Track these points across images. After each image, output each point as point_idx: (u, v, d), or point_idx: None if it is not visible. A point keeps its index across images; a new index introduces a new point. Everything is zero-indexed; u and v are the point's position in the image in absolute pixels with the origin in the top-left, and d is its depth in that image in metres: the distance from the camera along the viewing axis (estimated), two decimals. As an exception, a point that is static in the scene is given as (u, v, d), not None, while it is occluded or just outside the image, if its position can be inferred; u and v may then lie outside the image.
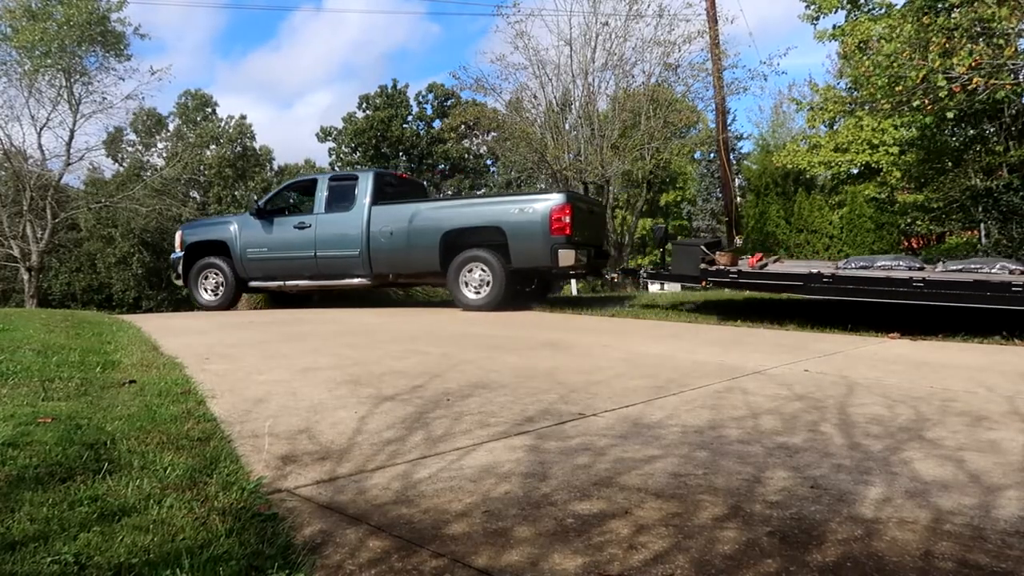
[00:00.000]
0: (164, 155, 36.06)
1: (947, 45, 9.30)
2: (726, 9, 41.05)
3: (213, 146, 39.82)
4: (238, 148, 41.72)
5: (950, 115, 10.53)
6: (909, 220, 16.97)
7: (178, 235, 10.90)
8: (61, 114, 22.07)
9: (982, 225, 14.54)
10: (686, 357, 5.44)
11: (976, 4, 9.15)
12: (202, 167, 37.17)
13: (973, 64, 9.14)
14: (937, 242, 20.10)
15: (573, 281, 16.24)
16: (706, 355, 5.55)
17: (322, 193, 9.90)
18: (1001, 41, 9.37)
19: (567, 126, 17.04)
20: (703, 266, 8.22)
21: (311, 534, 2.00)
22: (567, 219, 8.47)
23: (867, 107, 13.52)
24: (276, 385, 4.02)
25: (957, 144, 14.61)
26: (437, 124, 44.32)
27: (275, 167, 46.18)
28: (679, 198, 34.79)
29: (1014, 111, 12.99)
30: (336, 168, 44.85)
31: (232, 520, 2.03)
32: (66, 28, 20.55)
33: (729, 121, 22.68)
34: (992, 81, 9.38)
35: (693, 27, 16.85)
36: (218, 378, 4.18)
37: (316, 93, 75.33)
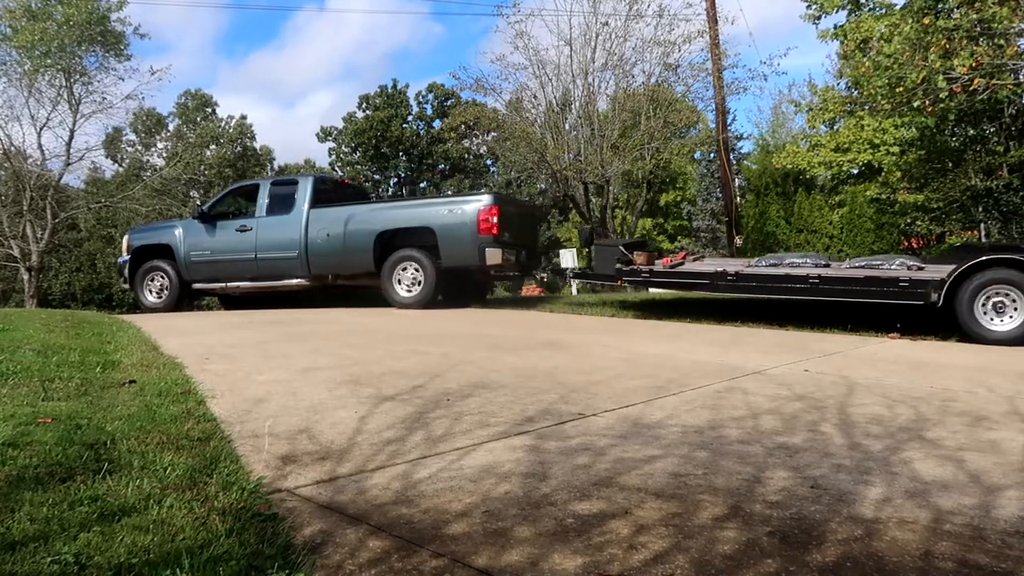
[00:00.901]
0: (164, 155, 36.07)
1: (947, 46, 9.29)
2: (726, 9, 41.06)
3: (213, 146, 39.82)
4: (238, 148, 41.72)
5: (951, 116, 10.54)
6: (909, 220, 16.96)
7: (125, 240, 11.25)
8: (61, 114, 22.07)
9: (982, 225, 14.54)
10: (686, 357, 5.44)
11: (977, 5, 9.15)
12: (202, 167, 37.16)
13: (974, 65, 9.14)
14: (937, 242, 20.09)
15: (574, 283, 16.22)
16: (706, 355, 5.55)
17: (263, 197, 10.22)
18: (1002, 41, 9.37)
19: (567, 126, 17.03)
20: (618, 266, 8.72)
21: (311, 534, 2.00)
22: (494, 219, 8.81)
23: (867, 107, 13.52)
24: (276, 385, 4.01)
25: (957, 144, 14.60)
26: (437, 124, 44.31)
27: (275, 167, 46.19)
28: (679, 198, 34.77)
29: (1014, 111, 12.98)
30: (336, 168, 44.87)
31: (232, 520, 2.03)
32: (66, 28, 20.53)
33: (729, 121, 22.70)
34: (993, 81, 9.38)
35: (693, 27, 16.83)
36: (218, 378, 4.18)
37: (318, 93, 75.32)
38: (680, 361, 5.26)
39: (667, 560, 1.84)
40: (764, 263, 8.42)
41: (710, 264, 8.90)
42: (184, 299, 10.71)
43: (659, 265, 8.74)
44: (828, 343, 6.53)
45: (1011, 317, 6.65)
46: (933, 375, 4.78)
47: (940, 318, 7.08)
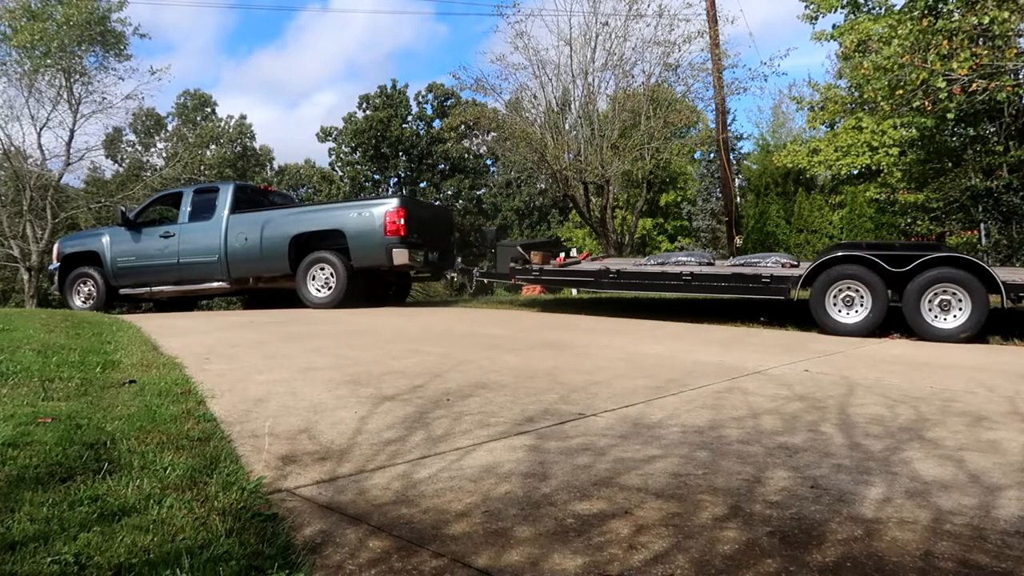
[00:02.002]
0: (164, 155, 36.05)
1: (947, 47, 9.30)
2: (726, 10, 41.13)
3: (213, 146, 39.80)
4: (238, 148, 41.71)
5: (950, 116, 10.54)
6: (909, 220, 16.96)
7: (55, 247, 11.61)
8: (61, 114, 22.07)
9: (982, 225, 14.54)
10: (686, 357, 5.44)
11: (978, 7, 9.15)
12: (202, 167, 37.15)
13: (973, 66, 9.14)
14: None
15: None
16: (706, 355, 5.55)
17: (186, 205, 10.58)
18: (1001, 43, 9.37)
19: (567, 126, 17.01)
20: (512, 264, 9.45)
21: (311, 534, 2.00)
22: (401, 221, 9.29)
23: (867, 108, 13.51)
24: (276, 385, 4.01)
25: (957, 145, 14.59)
26: (437, 124, 44.29)
27: (275, 167, 46.17)
28: (679, 198, 34.74)
29: (1014, 111, 12.98)
30: (335, 168, 44.84)
31: (232, 520, 2.03)
32: (66, 28, 20.53)
33: (729, 121, 22.68)
34: (992, 83, 9.38)
35: (693, 27, 16.81)
36: (218, 378, 4.18)
37: (321, 93, 75.34)
38: (680, 361, 5.26)
39: (667, 560, 1.84)
40: (651, 262, 9.15)
41: (596, 263, 9.56)
42: (111, 304, 11.06)
43: (552, 264, 9.39)
44: (828, 343, 6.53)
45: (857, 311, 7.29)
46: (933, 375, 4.78)
47: (801, 312, 7.63)
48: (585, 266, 9.41)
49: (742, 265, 8.35)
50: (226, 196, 10.31)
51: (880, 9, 14.29)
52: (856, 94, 13.95)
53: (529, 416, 3.36)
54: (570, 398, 3.79)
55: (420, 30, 71.65)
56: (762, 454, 2.78)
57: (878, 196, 16.99)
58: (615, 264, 9.14)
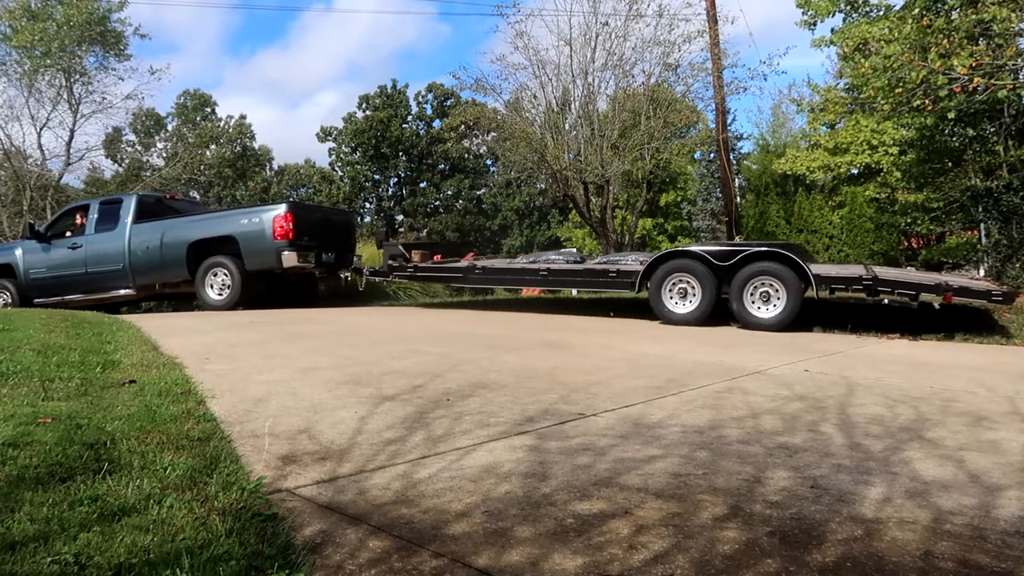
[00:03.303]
0: (164, 155, 36.05)
1: (947, 46, 9.30)
2: (726, 9, 41.08)
3: (213, 146, 39.78)
4: (238, 148, 41.69)
5: (950, 115, 10.53)
6: (909, 220, 16.95)
7: None
8: (61, 114, 22.04)
9: (982, 225, 14.53)
10: (686, 357, 5.44)
11: (978, 5, 9.15)
12: (202, 167, 37.14)
13: (973, 65, 9.14)
14: (937, 242, 20.09)
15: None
16: (706, 355, 5.55)
17: (93, 215, 10.95)
18: (1001, 41, 9.37)
19: (567, 126, 17.00)
20: (390, 262, 10.15)
21: (311, 534, 2.00)
22: (289, 225, 9.72)
23: (867, 108, 13.50)
24: (276, 385, 4.01)
25: (957, 144, 14.58)
26: (437, 124, 44.27)
27: (275, 167, 46.15)
28: (679, 198, 34.73)
29: (1014, 111, 12.96)
30: (335, 168, 44.83)
31: (232, 520, 2.03)
32: (66, 28, 20.52)
33: (729, 121, 22.67)
34: (992, 81, 9.37)
35: (693, 27, 16.80)
36: (218, 378, 4.18)
37: (323, 93, 75.33)
38: (680, 361, 5.26)
39: (667, 560, 1.84)
40: (523, 261, 9.93)
41: (466, 261, 10.31)
42: None
43: (429, 263, 10.16)
44: (828, 343, 6.53)
45: (690, 303, 7.94)
46: (933, 375, 4.78)
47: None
48: (454, 263, 10.08)
49: (606, 263, 9.02)
50: (129, 206, 10.73)
51: (878, 12, 14.28)
52: (856, 94, 13.95)
53: (529, 416, 3.36)
54: (570, 398, 3.79)
55: (422, 30, 71.66)
56: (762, 454, 2.78)
57: (878, 196, 16.99)
58: (482, 262, 9.92)
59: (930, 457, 2.76)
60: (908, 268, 12.46)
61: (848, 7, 14.52)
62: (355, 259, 11.45)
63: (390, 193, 45.39)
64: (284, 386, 3.99)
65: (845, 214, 17.14)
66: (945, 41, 9.32)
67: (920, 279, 7.49)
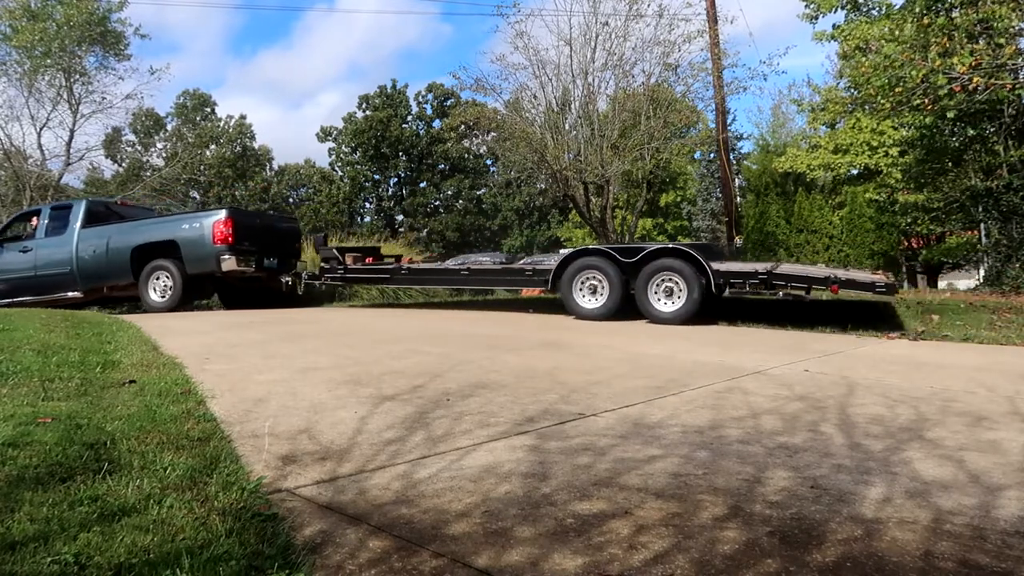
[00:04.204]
0: (163, 155, 36.04)
1: (947, 45, 9.30)
2: (726, 9, 41.06)
3: (212, 146, 39.77)
4: (237, 148, 41.68)
5: (950, 114, 10.54)
6: (909, 220, 16.95)
7: None
8: (61, 114, 22.04)
9: (982, 225, 14.53)
10: (686, 357, 5.44)
11: (979, 4, 9.15)
12: (202, 167, 37.13)
13: (973, 64, 9.14)
14: (937, 242, 20.10)
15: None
16: (706, 355, 5.55)
17: (44, 220, 11.27)
18: (1002, 40, 9.37)
19: (567, 126, 17.00)
20: (323, 264, 10.53)
21: (311, 534, 2.00)
22: (228, 231, 9.99)
23: (867, 107, 13.50)
24: (276, 385, 4.01)
25: (957, 144, 14.59)
26: (437, 124, 44.26)
27: (274, 167, 46.14)
28: (679, 198, 34.75)
29: (1014, 111, 12.97)
30: (335, 168, 44.82)
31: (232, 520, 2.03)
32: (66, 28, 20.52)
33: (729, 121, 22.67)
34: (992, 81, 9.37)
35: (693, 27, 16.79)
36: (218, 378, 4.18)
37: (325, 93, 75.36)
38: (680, 361, 5.26)
39: (667, 560, 1.84)
40: (451, 262, 10.34)
41: (395, 263, 10.76)
42: None
43: (359, 264, 10.52)
44: (828, 343, 6.53)
45: (599, 298, 8.30)
46: (933, 375, 4.78)
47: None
48: (382, 265, 10.55)
49: (530, 263, 9.53)
50: (78, 212, 11.01)
51: (879, 10, 14.28)
52: (856, 93, 13.95)
53: (529, 416, 3.36)
54: (570, 398, 3.79)
55: (424, 30, 71.71)
56: (762, 454, 2.78)
57: (877, 197, 16.99)
58: (408, 263, 10.53)
59: (930, 457, 2.76)
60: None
61: (850, 5, 14.53)
62: (299, 264, 11.78)
63: (390, 193, 45.39)
64: (284, 386, 3.99)
65: (845, 214, 17.13)
66: (945, 40, 9.32)
67: (811, 273, 7.90)
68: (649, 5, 16.03)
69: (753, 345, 6.27)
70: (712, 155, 27.62)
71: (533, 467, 2.60)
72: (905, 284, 20.33)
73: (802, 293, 7.86)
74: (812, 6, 14.79)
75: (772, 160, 19.03)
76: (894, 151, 16.16)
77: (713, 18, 16.61)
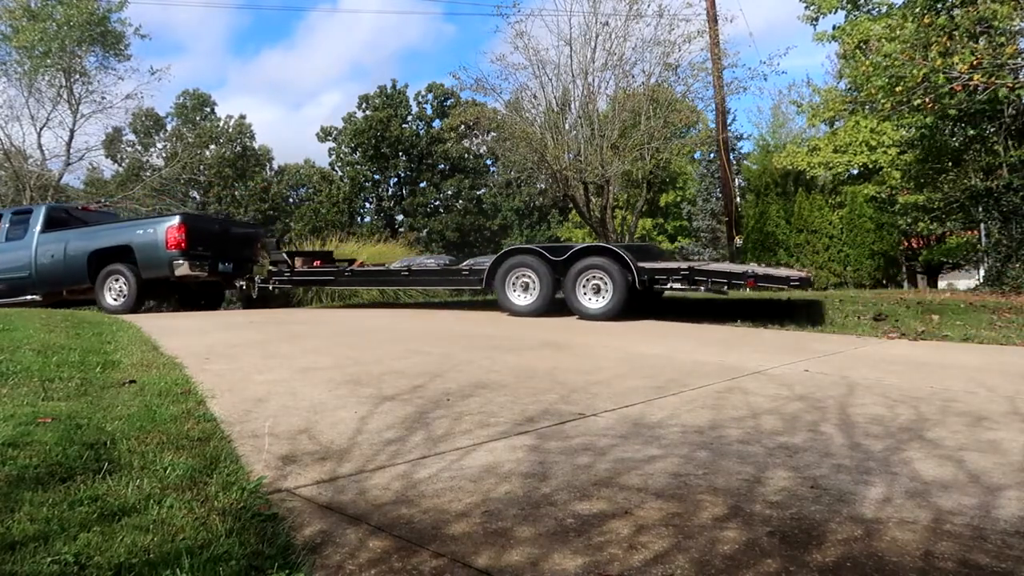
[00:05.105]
0: (163, 155, 36.04)
1: (948, 44, 9.30)
2: (726, 9, 41.03)
3: (212, 146, 39.77)
4: (237, 148, 41.68)
5: (951, 113, 10.54)
6: (909, 220, 16.94)
7: None
8: (61, 114, 22.06)
9: (982, 225, 14.52)
10: (686, 357, 5.44)
11: (979, 3, 9.15)
12: (202, 167, 37.13)
13: (974, 63, 9.14)
14: (937, 242, 20.08)
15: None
16: (706, 355, 5.55)
17: (5, 225, 11.43)
18: (1002, 39, 9.37)
19: (567, 126, 17.00)
20: (270, 268, 10.83)
21: (311, 534, 2.00)
22: (182, 236, 10.11)
23: (867, 107, 13.50)
24: (276, 385, 4.01)
25: (957, 144, 14.58)
26: (437, 124, 44.25)
27: (274, 167, 46.12)
28: (679, 198, 34.75)
29: (1014, 111, 12.96)
30: (335, 168, 44.81)
31: (232, 520, 2.03)
32: (66, 28, 20.53)
33: (729, 121, 22.66)
34: (992, 80, 9.37)
35: (693, 27, 16.82)
36: (218, 378, 4.18)
37: (326, 93, 75.38)
38: (680, 361, 5.26)
39: (667, 560, 1.84)
40: (396, 264, 10.70)
41: (340, 266, 11.14)
42: None
43: (307, 268, 10.87)
44: (828, 343, 6.53)
45: (531, 295, 8.59)
46: (933, 375, 4.78)
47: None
48: (325, 267, 10.96)
49: (467, 264, 9.80)
50: (38, 217, 11.17)
51: (879, 10, 14.28)
52: (856, 93, 13.95)
53: (529, 416, 3.36)
54: (570, 398, 3.79)
55: (426, 30, 71.73)
56: (762, 454, 2.78)
57: (876, 195, 16.98)
58: (349, 266, 10.89)
59: (930, 457, 2.76)
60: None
61: (850, 4, 14.54)
62: (255, 268, 11.95)
63: (390, 193, 45.39)
64: (284, 386, 3.99)
65: (845, 214, 17.13)
66: (946, 39, 9.32)
67: (730, 269, 8.21)
68: (649, 5, 16.07)
69: (753, 345, 6.28)
70: (712, 155, 27.62)
71: (533, 467, 2.60)
72: (905, 284, 20.32)
73: (722, 289, 8.09)
74: (812, 7, 14.79)
75: (772, 158, 19.04)
76: (893, 151, 16.16)
77: (713, 18, 16.62)
